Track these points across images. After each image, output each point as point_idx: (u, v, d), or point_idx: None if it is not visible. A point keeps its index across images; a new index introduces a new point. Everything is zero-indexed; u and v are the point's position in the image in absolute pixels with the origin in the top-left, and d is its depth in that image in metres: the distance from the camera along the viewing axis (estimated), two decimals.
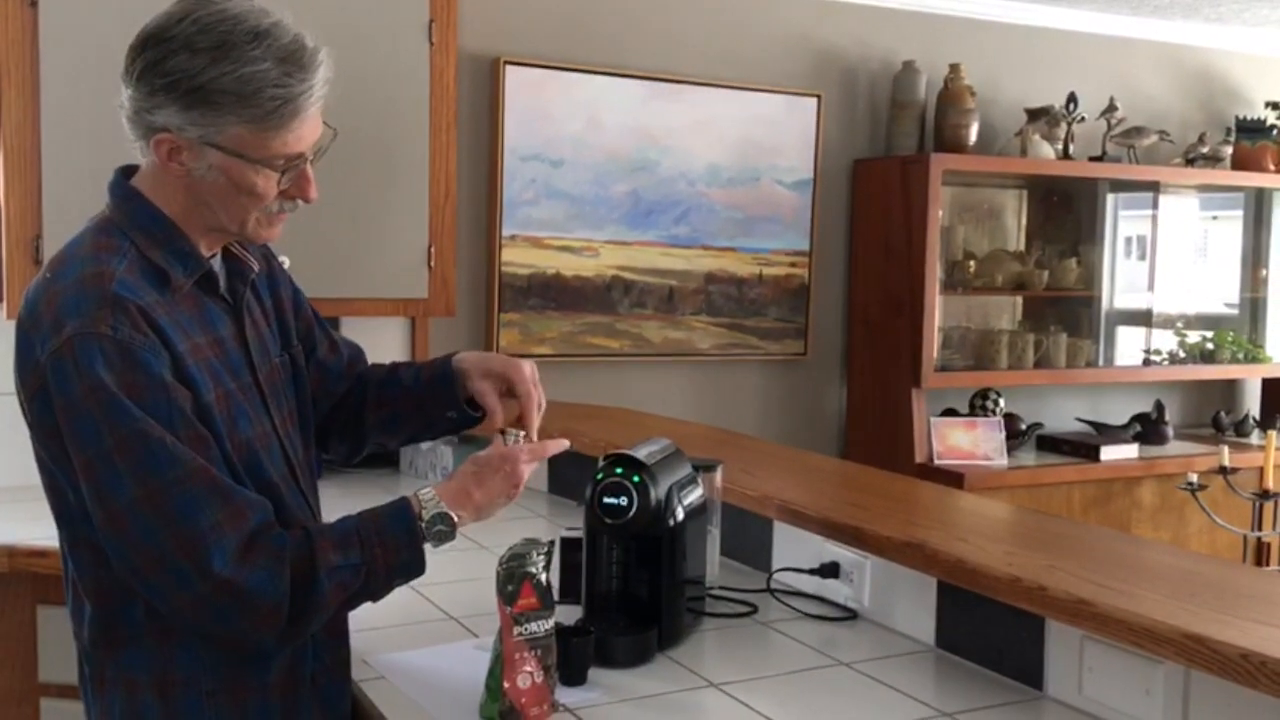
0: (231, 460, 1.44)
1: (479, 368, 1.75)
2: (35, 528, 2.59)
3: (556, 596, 2.06)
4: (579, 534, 1.93)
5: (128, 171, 1.53)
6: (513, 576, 1.56)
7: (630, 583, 1.86)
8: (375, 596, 1.49)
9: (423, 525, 1.48)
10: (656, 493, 1.80)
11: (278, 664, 1.51)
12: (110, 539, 1.37)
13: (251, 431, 1.50)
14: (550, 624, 1.58)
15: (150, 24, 1.42)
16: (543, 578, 1.58)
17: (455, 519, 1.50)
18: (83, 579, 1.48)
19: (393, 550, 1.46)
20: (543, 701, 1.56)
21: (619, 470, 1.80)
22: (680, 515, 1.85)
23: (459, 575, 2.23)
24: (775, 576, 2.18)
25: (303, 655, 1.55)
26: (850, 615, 2.05)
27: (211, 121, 1.39)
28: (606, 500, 1.79)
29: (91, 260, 1.41)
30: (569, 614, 1.92)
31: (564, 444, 1.68)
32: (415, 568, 1.49)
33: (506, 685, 1.55)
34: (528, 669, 1.55)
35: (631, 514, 1.78)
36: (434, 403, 1.77)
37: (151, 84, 1.39)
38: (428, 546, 1.49)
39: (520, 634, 1.55)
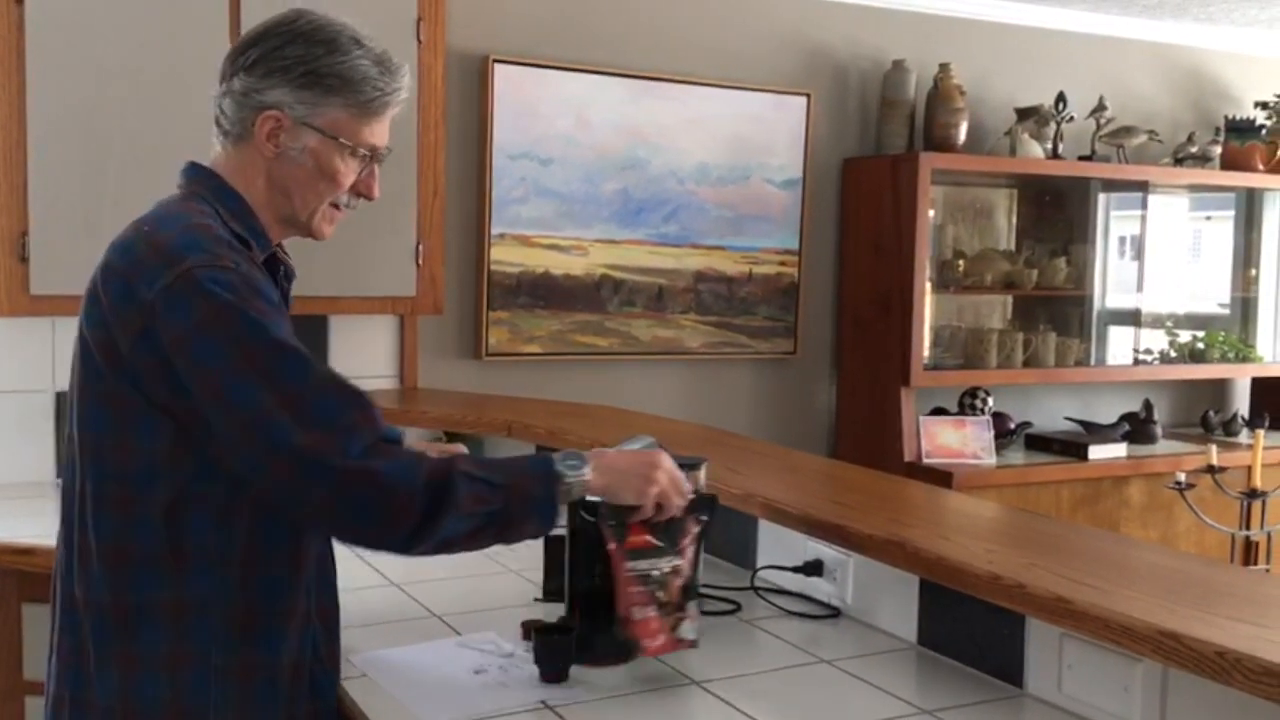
0: None
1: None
2: (20, 525, 2.60)
3: (541, 595, 2.08)
4: (563, 532, 1.92)
5: (197, 164, 1.61)
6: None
7: (613, 580, 1.86)
8: (508, 529, 1.52)
9: (556, 460, 1.54)
10: None
11: (288, 646, 1.52)
12: (241, 450, 1.41)
13: None
14: (665, 565, 1.66)
15: (262, 24, 1.57)
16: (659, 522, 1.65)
17: (586, 460, 1.56)
18: (102, 543, 1.48)
19: (531, 480, 1.52)
20: (658, 634, 1.66)
21: None
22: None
23: (443, 573, 2.23)
24: (759, 574, 2.18)
25: (309, 641, 1.56)
26: (833, 613, 2.06)
27: (318, 102, 1.53)
28: (589, 497, 1.79)
29: (193, 215, 1.51)
30: (553, 611, 1.93)
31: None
32: (549, 506, 1.53)
33: (620, 614, 1.65)
34: (640, 604, 1.64)
35: None
36: None
37: (268, 67, 1.53)
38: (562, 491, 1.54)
39: (631, 570, 1.64)
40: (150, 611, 1.46)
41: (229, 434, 1.41)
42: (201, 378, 1.40)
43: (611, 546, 1.66)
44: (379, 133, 1.60)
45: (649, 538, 1.65)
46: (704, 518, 1.73)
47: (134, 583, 1.47)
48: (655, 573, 1.67)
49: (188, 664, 1.47)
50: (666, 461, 1.64)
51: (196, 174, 1.58)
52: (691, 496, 1.68)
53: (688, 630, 1.71)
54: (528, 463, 1.57)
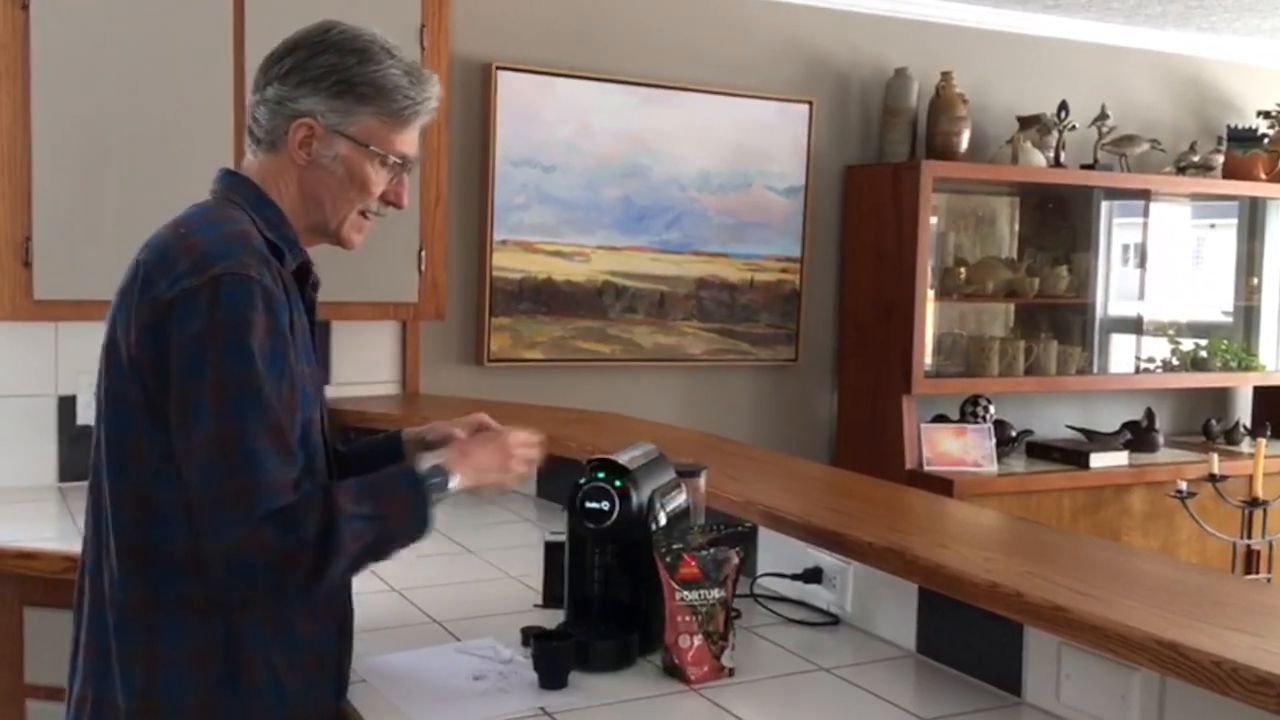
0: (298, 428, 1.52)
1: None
2: (23, 530, 2.61)
3: (540, 601, 2.09)
4: (563, 538, 1.93)
5: (231, 171, 1.64)
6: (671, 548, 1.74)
7: (612, 587, 1.87)
8: (384, 553, 1.55)
9: (423, 478, 1.56)
10: (638, 497, 1.81)
11: (311, 643, 1.54)
12: (185, 472, 1.43)
13: (311, 414, 1.57)
14: (713, 595, 1.75)
15: (295, 35, 1.60)
16: (707, 554, 1.76)
17: (449, 470, 1.58)
18: (121, 540, 1.49)
19: (404, 506, 1.54)
20: (702, 663, 1.73)
21: (601, 475, 1.81)
22: (662, 520, 1.85)
23: (444, 579, 2.24)
24: (758, 581, 2.19)
25: (330, 639, 1.58)
26: (832, 620, 2.06)
27: (350, 110, 1.56)
28: (588, 505, 1.80)
29: (230, 221, 1.53)
30: (552, 618, 1.93)
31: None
32: (421, 524, 1.55)
33: (668, 642, 1.74)
34: (688, 632, 1.73)
35: (613, 519, 1.78)
36: (374, 460, 1.79)
37: (302, 76, 1.56)
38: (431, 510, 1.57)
39: (682, 600, 1.73)
40: (173, 608, 1.48)
41: (177, 449, 1.44)
42: (177, 386, 1.43)
43: (665, 577, 1.74)
44: (409, 141, 1.63)
45: (697, 568, 1.74)
46: (741, 552, 1.79)
47: (156, 580, 1.48)
48: (703, 604, 1.74)
49: (212, 660, 1.48)
50: (511, 437, 1.71)
51: (234, 181, 1.61)
52: (540, 443, 1.74)
53: (728, 658, 1.77)
54: (400, 482, 1.56)
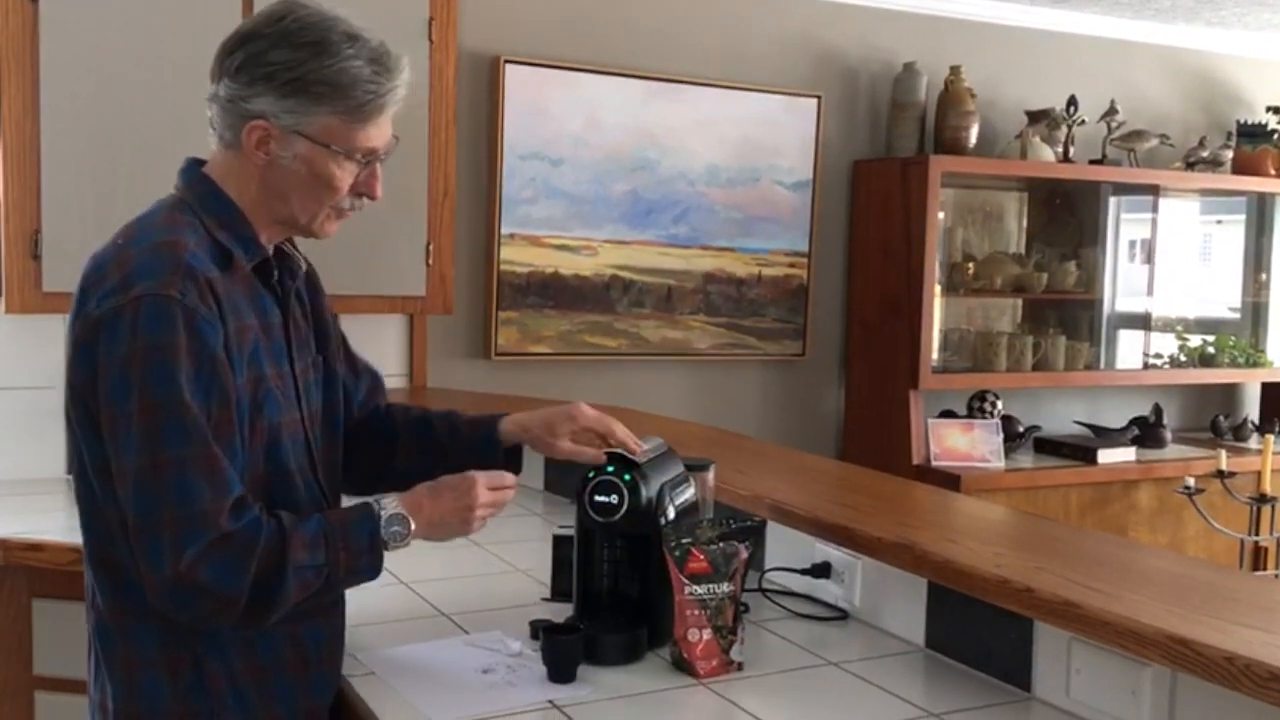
0: (249, 444, 1.47)
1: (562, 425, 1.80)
2: (31, 521, 2.61)
3: (549, 594, 2.09)
4: (571, 531, 1.93)
5: (198, 162, 1.58)
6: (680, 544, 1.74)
7: (621, 581, 1.87)
8: (329, 594, 1.53)
9: (381, 527, 1.52)
10: (647, 491, 1.80)
11: (286, 646, 1.54)
12: (119, 495, 1.41)
13: (279, 418, 1.53)
14: (722, 589, 1.75)
15: (250, 22, 1.51)
16: (716, 548, 1.76)
17: (410, 521, 1.54)
18: (89, 548, 1.51)
19: (354, 555, 1.50)
20: (711, 657, 1.73)
21: (610, 468, 1.80)
22: (671, 514, 1.85)
23: (451, 572, 2.24)
24: (767, 576, 2.18)
25: (309, 640, 1.57)
26: (841, 615, 2.06)
27: (305, 110, 1.47)
28: (597, 498, 1.79)
29: (166, 230, 1.47)
30: (561, 611, 1.93)
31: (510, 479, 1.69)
32: (372, 572, 1.53)
33: (677, 636, 1.74)
34: (697, 626, 1.73)
35: (622, 512, 1.78)
36: (471, 461, 1.73)
37: (252, 74, 1.47)
38: (386, 554, 1.54)
39: (690, 594, 1.73)
40: (141, 617, 1.47)
41: (112, 464, 1.41)
42: (105, 408, 1.40)
43: (674, 571, 1.74)
44: (375, 134, 1.53)
45: (706, 563, 1.74)
46: (750, 546, 1.79)
47: (122, 590, 1.48)
48: (711, 598, 1.74)
49: (185, 667, 1.49)
50: (479, 490, 1.61)
51: (190, 179, 1.55)
52: (514, 483, 1.69)
53: (736, 653, 1.77)
54: (358, 530, 1.51)
